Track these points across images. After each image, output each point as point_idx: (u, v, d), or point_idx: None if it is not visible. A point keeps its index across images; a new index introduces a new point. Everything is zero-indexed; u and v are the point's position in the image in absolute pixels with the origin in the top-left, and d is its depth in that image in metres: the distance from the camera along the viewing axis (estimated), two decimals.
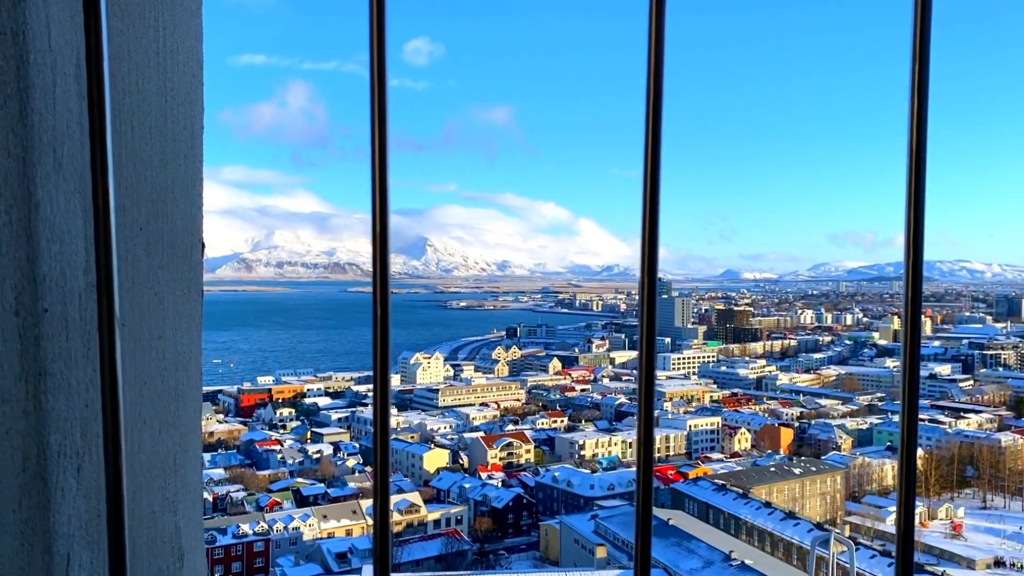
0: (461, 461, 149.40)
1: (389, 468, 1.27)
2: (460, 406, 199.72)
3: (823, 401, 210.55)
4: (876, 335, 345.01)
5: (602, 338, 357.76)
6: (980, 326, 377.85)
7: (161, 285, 2.27)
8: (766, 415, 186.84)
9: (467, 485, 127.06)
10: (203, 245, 2.56)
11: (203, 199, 2.56)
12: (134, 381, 2.12)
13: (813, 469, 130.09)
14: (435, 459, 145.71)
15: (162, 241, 2.27)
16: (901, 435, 1.09)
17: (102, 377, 1.25)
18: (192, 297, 2.49)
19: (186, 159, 2.41)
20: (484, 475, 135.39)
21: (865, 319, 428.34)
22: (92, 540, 1.85)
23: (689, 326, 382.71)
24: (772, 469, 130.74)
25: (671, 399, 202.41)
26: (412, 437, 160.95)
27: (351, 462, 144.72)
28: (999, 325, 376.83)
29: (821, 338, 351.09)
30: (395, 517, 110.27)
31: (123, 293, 2.05)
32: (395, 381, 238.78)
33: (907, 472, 1.07)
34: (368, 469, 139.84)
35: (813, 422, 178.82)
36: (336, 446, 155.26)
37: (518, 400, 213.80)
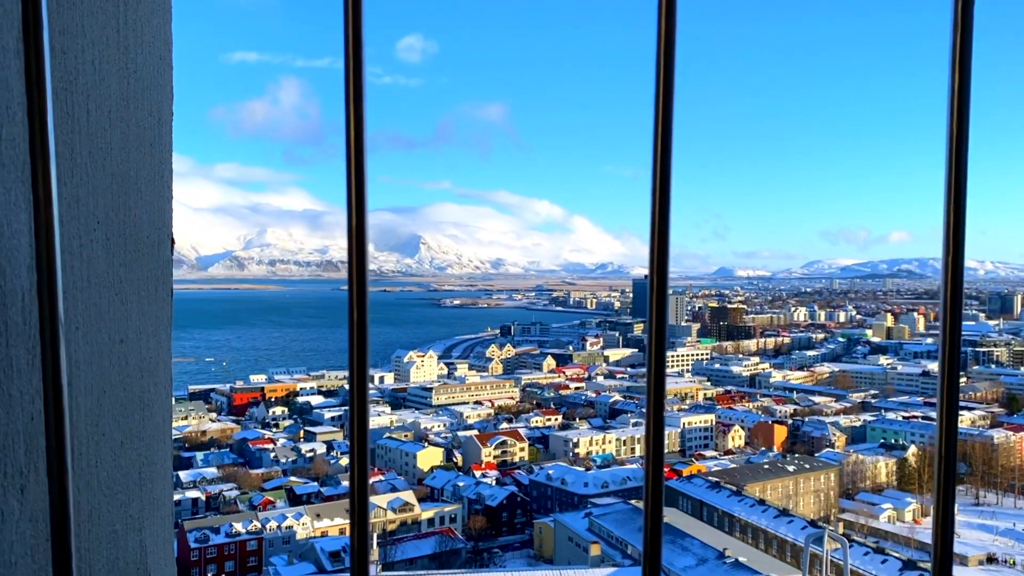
0: (455, 459, 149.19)
1: (368, 469, 1.16)
2: (454, 404, 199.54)
3: (816, 398, 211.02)
4: (869, 332, 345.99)
5: (596, 336, 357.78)
6: (973, 323, 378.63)
7: (123, 284, 2.09)
8: (760, 412, 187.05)
9: (461, 483, 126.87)
10: (172, 240, 2.36)
11: (172, 191, 2.36)
12: (91, 390, 1.95)
13: (807, 466, 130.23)
14: (429, 457, 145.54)
15: (124, 236, 2.09)
16: (939, 433, 1.07)
17: (45, 387, 1.12)
18: (160, 297, 2.28)
19: (152, 148, 2.22)
20: (478, 473, 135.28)
21: (858, 316, 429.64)
22: (40, 567, 1.68)
23: (683, 324, 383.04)
24: (766, 466, 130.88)
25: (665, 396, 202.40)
26: (406, 436, 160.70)
27: (344, 460, 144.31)
28: (991, 322, 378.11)
29: (814, 335, 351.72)
30: (389, 516, 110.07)
31: (77, 293, 1.92)
32: (389, 379, 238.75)
33: (945, 476, 1.05)
34: None
35: (806, 419, 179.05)
36: (329, 445, 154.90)
37: (512, 398, 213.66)
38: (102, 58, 1.98)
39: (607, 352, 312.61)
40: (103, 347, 2.01)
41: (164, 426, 2.33)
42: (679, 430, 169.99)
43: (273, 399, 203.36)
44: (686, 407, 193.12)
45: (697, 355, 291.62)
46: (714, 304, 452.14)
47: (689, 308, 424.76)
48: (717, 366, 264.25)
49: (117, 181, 2.06)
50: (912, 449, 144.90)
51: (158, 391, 2.28)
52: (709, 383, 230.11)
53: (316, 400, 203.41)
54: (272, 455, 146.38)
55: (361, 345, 1.10)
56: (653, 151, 1.11)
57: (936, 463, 1.13)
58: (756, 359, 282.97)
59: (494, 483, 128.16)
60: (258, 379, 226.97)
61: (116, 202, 2.05)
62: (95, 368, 1.97)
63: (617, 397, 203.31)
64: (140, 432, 2.16)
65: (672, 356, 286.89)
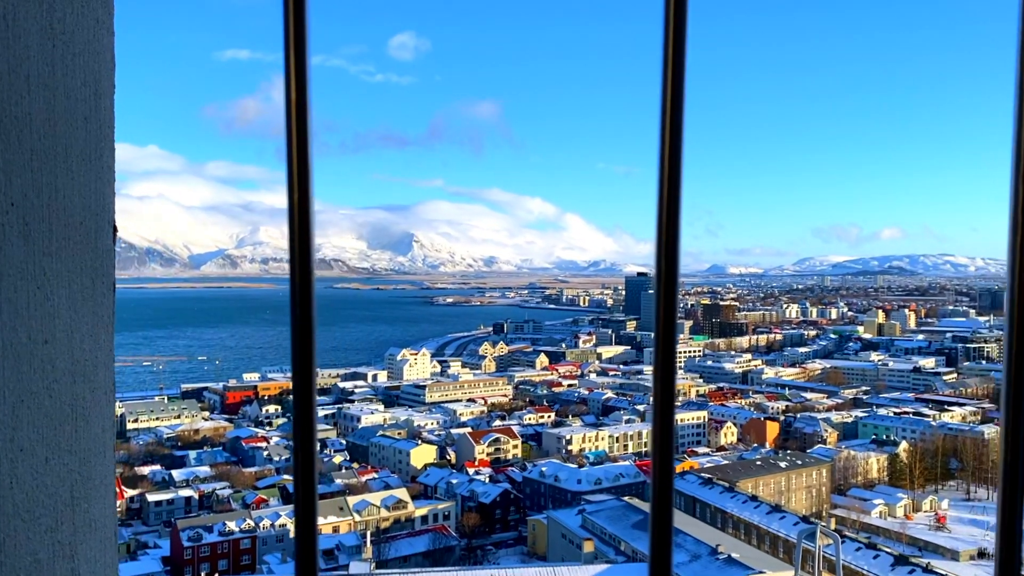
0: (448, 457, 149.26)
1: (315, 469, 1.08)
2: (447, 402, 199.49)
3: (808, 395, 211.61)
4: (861, 329, 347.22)
5: (589, 333, 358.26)
6: (964, 319, 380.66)
7: (48, 276, 1.82)
8: (752, 409, 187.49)
9: (454, 481, 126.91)
10: (115, 229, 2.07)
11: (114, 172, 2.07)
12: (4, 398, 1.72)
13: (799, 462, 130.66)
14: (422, 455, 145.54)
15: (49, 221, 1.82)
16: (1003, 432, 1.01)
17: None
18: (98, 292, 1.99)
19: (88, 122, 1.92)
20: (471, 471, 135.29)
21: (850, 313, 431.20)
22: None
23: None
24: (758, 463, 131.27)
25: None
26: (399, 433, 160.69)
27: (338, 459, 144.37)
28: (982, 318, 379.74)
29: (806, 332, 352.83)
30: (382, 513, 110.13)
31: None
32: (382, 377, 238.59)
33: (1012, 475, 0.99)
34: (355, 465, 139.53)
35: (798, 416, 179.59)
36: (322, 443, 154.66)
37: (505, 396, 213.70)
38: (17, 13, 1.73)
39: (600, 349, 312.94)
40: (20, 348, 1.76)
41: (104, 437, 2.01)
42: None
43: (266, 397, 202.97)
44: (678, 404, 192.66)
45: (690, 352, 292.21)
46: (706, 301, 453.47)
47: (681, 305, 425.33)
48: (709, 363, 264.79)
49: (39, 158, 1.79)
50: (903, 445, 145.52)
51: (96, 398, 1.96)
52: (702, 380, 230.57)
53: None
54: (265, 453, 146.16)
55: (306, 342, 1.01)
56: (660, 142, 1.04)
57: (1002, 459, 1.05)
58: (748, 356, 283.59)
59: (487, 480, 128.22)
60: (251, 377, 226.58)
61: (38, 182, 1.78)
62: (9, 373, 1.73)
63: (610, 394, 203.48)
64: (72, 445, 1.88)
65: None
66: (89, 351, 1.95)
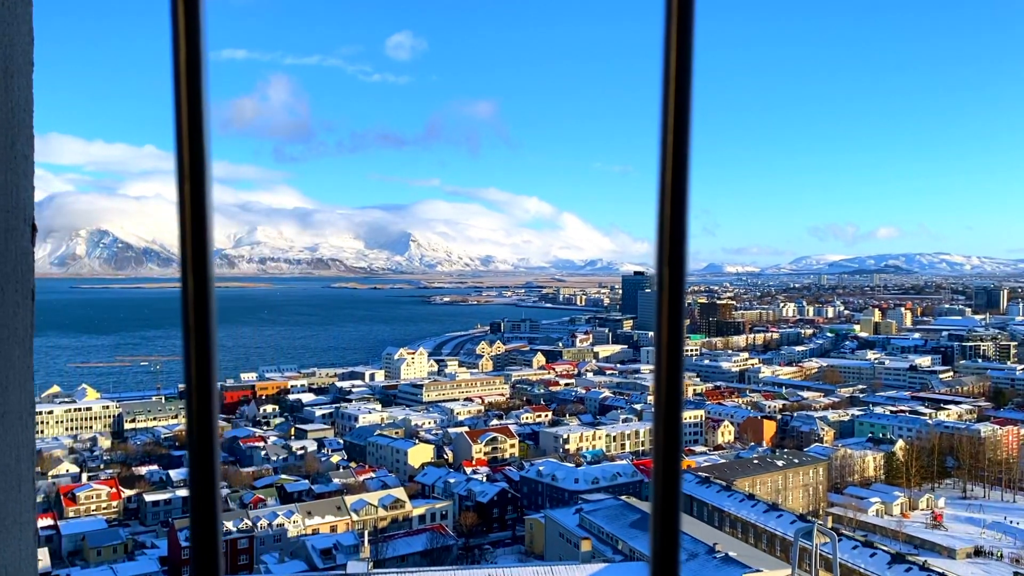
0: (446, 456, 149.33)
1: (217, 461, 1.02)
2: (444, 401, 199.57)
3: (805, 393, 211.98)
4: (857, 327, 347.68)
5: (586, 332, 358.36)
6: (959, 318, 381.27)
7: None
8: (749, 408, 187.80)
9: (452, 480, 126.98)
10: (34, 228, 1.78)
11: (33, 165, 1.77)
12: None
13: (795, 461, 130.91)
14: (420, 454, 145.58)
15: None
16: None
17: None
18: (9, 300, 1.66)
19: None
20: (469, 470, 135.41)
21: (846, 311, 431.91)
22: None
23: None
24: (755, 461, 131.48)
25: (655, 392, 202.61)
26: (396, 432, 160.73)
27: (335, 458, 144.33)
28: (978, 317, 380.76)
29: (803, 331, 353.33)
30: (380, 512, 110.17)
31: None
32: (379, 376, 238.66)
33: None
34: (353, 465, 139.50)
35: (795, 414, 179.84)
36: (320, 442, 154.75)
37: (502, 395, 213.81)
38: None
39: (597, 348, 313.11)
40: None
41: (18, 469, 1.69)
42: None
43: (264, 397, 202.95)
44: None
45: (686, 351, 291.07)
46: (703, 300, 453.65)
47: None
48: (707, 362, 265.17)
49: None
50: (900, 443, 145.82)
51: (7, 424, 1.66)
52: (699, 379, 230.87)
53: (307, 398, 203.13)
54: (263, 453, 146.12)
55: (202, 345, 0.94)
56: (662, 141, 1.00)
57: None
58: (745, 355, 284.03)
59: (485, 480, 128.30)
60: (249, 377, 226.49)
61: None
62: None
63: (607, 393, 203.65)
64: None
65: None
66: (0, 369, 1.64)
